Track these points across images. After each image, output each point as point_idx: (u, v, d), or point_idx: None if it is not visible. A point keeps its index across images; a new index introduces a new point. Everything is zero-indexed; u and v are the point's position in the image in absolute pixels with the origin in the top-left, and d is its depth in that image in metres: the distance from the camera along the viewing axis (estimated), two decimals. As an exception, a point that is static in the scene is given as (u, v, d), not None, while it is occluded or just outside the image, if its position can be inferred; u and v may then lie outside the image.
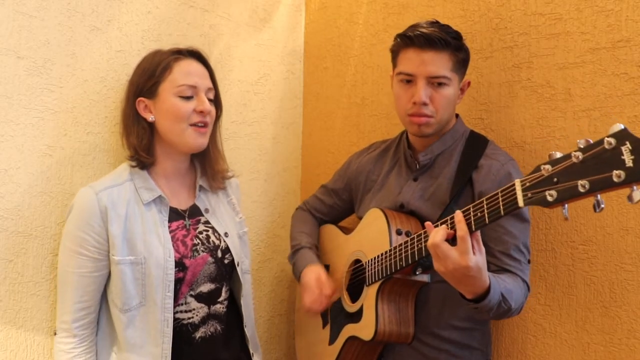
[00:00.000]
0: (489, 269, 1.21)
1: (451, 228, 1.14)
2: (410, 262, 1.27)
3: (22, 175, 1.36)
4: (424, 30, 1.36)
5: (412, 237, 1.28)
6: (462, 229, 1.11)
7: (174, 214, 1.41)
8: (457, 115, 1.49)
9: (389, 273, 1.33)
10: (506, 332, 1.56)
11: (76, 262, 1.31)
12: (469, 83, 1.47)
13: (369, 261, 1.42)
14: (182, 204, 1.45)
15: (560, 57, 1.46)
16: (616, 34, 1.37)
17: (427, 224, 1.19)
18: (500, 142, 1.55)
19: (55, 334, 1.35)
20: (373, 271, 1.39)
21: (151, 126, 1.39)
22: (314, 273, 1.55)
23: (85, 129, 1.48)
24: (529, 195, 0.98)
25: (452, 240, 1.14)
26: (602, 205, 0.90)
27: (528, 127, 1.52)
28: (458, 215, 1.12)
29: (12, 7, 1.33)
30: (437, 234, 1.14)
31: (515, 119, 1.55)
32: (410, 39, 1.36)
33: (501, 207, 1.05)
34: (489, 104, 1.61)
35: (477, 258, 1.11)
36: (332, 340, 1.55)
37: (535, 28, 1.51)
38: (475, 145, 1.44)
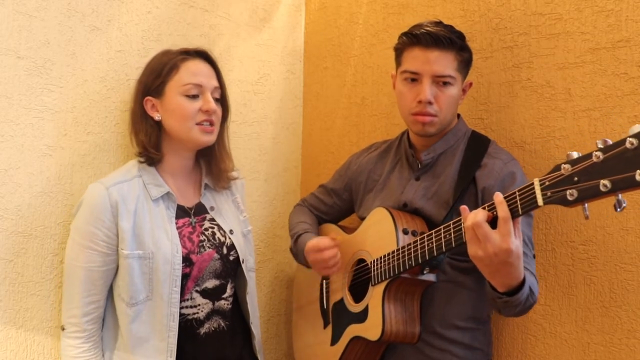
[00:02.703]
0: None
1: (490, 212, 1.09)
2: (420, 261, 1.27)
3: (22, 175, 1.36)
4: (429, 29, 1.36)
5: (421, 236, 1.28)
6: (504, 210, 1.04)
7: (180, 212, 1.43)
8: (458, 115, 1.49)
9: (396, 272, 1.32)
10: (506, 332, 1.56)
11: (85, 256, 1.32)
12: (470, 84, 1.48)
13: (374, 261, 1.41)
14: (188, 201, 1.47)
15: (560, 57, 1.46)
16: (616, 34, 1.37)
17: (463, 207, 1.12)
18: (500, 142, 1.55)
19: (63, 329, 1.35)
20: (379, 271, 1.38)
21: (158, 124, 1.41)
22: (316, 238, 1.51)
23: (85, 129, 1.48)
24: (549, 194, 0.98)
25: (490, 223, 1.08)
26: (624, 205, 0.90)
27: (528, 127, 1.52)
28: (499, 197, 1.06)
29: (12, 7, 1.33)
30: (477, 215, 1.07)
31: (515, 119, 1.55)
32: (417, 38, 1.36)
33: (519, 206, 1.04)
34: (489, 104, 1.61)
35: (518, 243, 1.06)
36: (334, 341, 1.54)
37: (535, 28, 1.51)
38: (478, 144, 1.43)
